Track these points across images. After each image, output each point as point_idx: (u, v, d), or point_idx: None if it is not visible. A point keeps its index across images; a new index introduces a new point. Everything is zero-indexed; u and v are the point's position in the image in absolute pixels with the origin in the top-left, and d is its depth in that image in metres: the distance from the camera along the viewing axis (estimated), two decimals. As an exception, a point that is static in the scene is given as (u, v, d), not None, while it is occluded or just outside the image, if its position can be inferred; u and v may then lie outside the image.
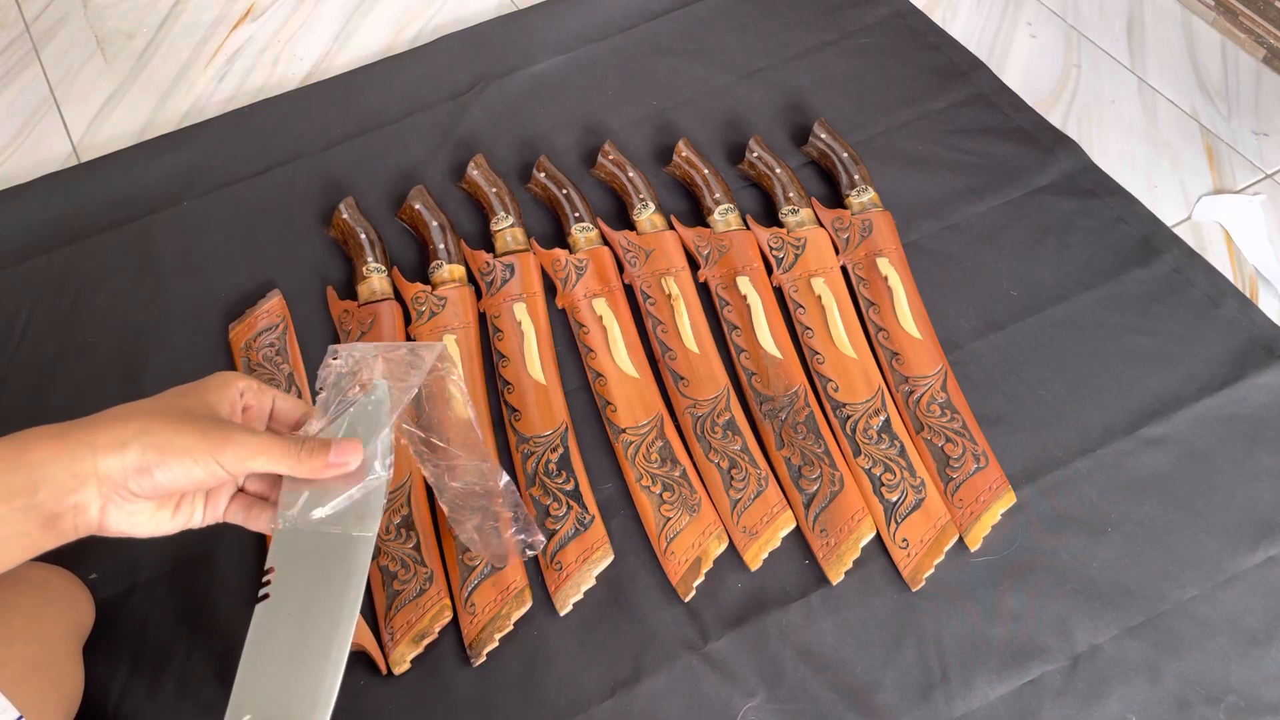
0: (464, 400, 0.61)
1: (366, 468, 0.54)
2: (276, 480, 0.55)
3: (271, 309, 0.81)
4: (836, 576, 0.69)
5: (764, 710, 0.64)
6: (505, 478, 0.63)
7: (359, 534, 0.53)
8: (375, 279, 0.82)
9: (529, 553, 0.66)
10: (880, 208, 0.85)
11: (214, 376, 0.53)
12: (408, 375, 0.57)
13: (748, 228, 0.85)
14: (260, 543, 0.71)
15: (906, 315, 0.79)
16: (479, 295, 0.82)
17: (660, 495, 0.72)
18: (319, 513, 0.53)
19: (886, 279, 0.80)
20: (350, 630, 0.52)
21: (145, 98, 1.04)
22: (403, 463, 0.72)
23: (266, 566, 0.53)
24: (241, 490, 0.56)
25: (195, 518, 0.53)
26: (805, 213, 0.85)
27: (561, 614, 0.68)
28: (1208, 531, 0.70)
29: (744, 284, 0.81)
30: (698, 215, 0.87)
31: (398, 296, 0.82)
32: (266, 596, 0.52)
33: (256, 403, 0.55)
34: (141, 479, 0.47)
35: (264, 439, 0.51)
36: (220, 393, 0.52)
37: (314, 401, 0.57)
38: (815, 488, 0.72)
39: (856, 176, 0.86)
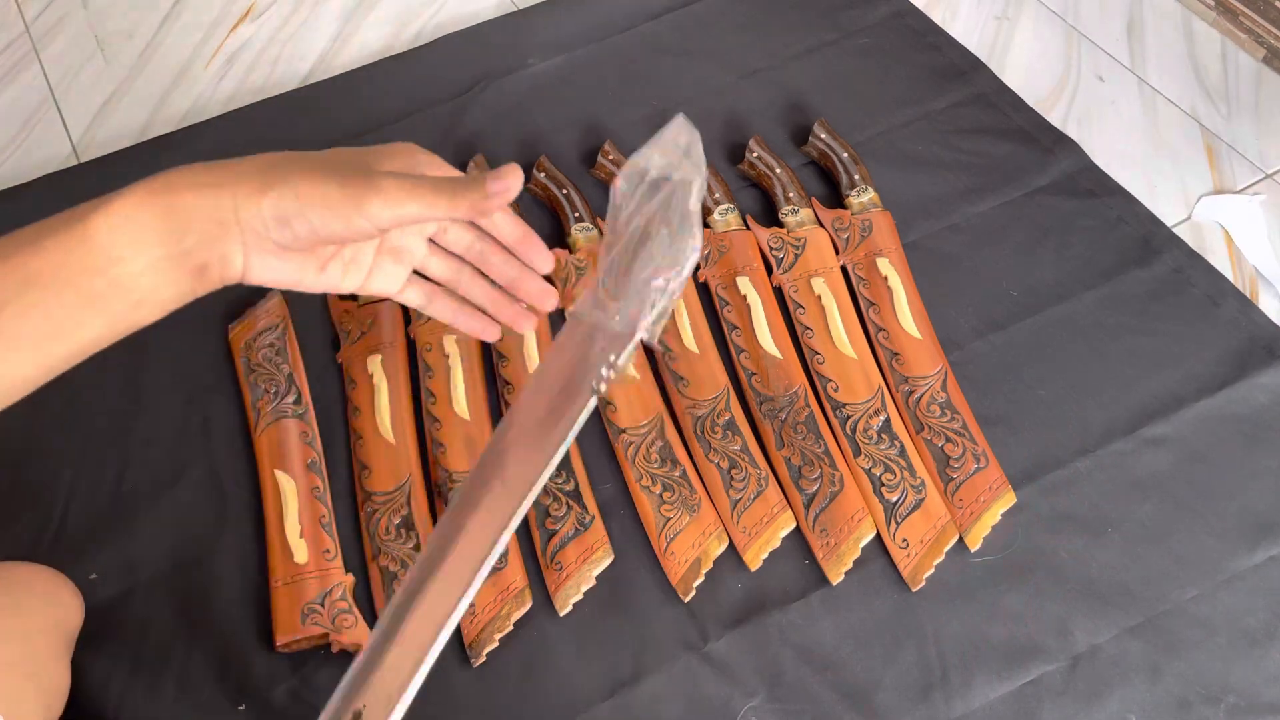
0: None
1: (677, 255, 0.48)
2: (452, 263, 0.55)
3: (271, 309, 0.81)
4: (836, 576, 0.69)
5: (764, 710, 0.64)
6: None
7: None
8: (375, 279, 0.81)
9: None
10: (880, 208, 0.85)
11: (397, 145, 0.49)
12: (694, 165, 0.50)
13: (748, 228, 0.85)
14: (261, 548, 0.71)
15: (906, 315, 0.79)
16: (479, 295, 0.82)
17: (660, 495, 0.72)
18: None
19: (886, 279, 0.80)
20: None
21: (145, 98, 1.04)
22: (403, 463, 0.73)
23: None
24: (423, 277, 0.56)
25: (345, 282, 0.52)
26: (805, 213, 0.85)
27: (561, 614, 0.68)
28: (1208, 531, 0.70)
29: (744, 284, 0.81)
30: (698, 215, 0.87)
31: (398, 296, 0.82)
32: None
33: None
34: (281, 229, 0.45)
35: (412, 182, 0.45)
36: (391, 160, 0.48)
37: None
38: (815, 488, 0.72)
39: (856, 176, 0.86)
